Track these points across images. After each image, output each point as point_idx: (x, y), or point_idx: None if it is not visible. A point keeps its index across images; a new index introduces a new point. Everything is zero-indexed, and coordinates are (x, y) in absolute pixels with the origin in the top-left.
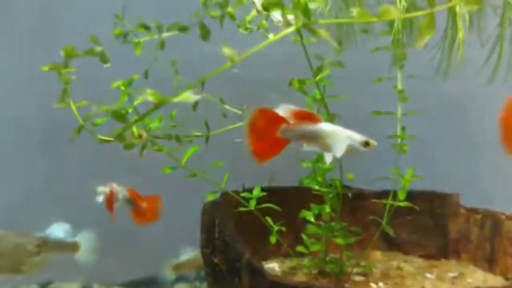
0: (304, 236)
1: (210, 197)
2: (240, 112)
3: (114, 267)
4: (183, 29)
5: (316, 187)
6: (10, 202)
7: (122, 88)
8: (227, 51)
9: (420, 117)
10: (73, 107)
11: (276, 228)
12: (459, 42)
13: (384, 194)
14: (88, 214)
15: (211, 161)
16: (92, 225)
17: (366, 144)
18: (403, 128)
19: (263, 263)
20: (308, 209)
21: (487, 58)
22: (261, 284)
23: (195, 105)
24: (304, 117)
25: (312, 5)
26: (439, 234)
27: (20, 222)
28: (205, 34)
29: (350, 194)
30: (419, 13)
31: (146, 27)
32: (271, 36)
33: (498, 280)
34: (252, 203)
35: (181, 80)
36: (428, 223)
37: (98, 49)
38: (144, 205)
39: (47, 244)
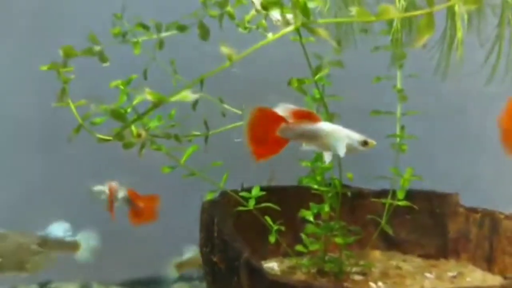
0: (303, 235)
1: (209, 196)
2: (239, 112)
3: (113, 267)
4: (182, 28)
5: (315, 186)
6: (10, 201)
7: (121, 87)
8: (225, 49)
9: (419, 116)
10: (72, 106)
11: (275, 227)
12: (458, 42)
13: (383, 193)
14: (88, 213)
15: (210, 160)
16: (92, 224)
17: (365, 143)
18: (402, 128)
19: (262, 262)
20: (307, 208)
21: (486, 58)
22: (260, 283)
23: (194, 104)
24: (303, 116)
25: (311, 4)
26: (438, 234)
27: (20, 221)
28: (204, 33)
29: (349, 193)
30: (418, 12)
31: (145, 27)
32: (270, 36)
33: (497, 279)
34: (251, 203)
35: (180, 80)
36: (427, 222)
37: (97, 48)
38: (141, 205)
39: (47, 243)
